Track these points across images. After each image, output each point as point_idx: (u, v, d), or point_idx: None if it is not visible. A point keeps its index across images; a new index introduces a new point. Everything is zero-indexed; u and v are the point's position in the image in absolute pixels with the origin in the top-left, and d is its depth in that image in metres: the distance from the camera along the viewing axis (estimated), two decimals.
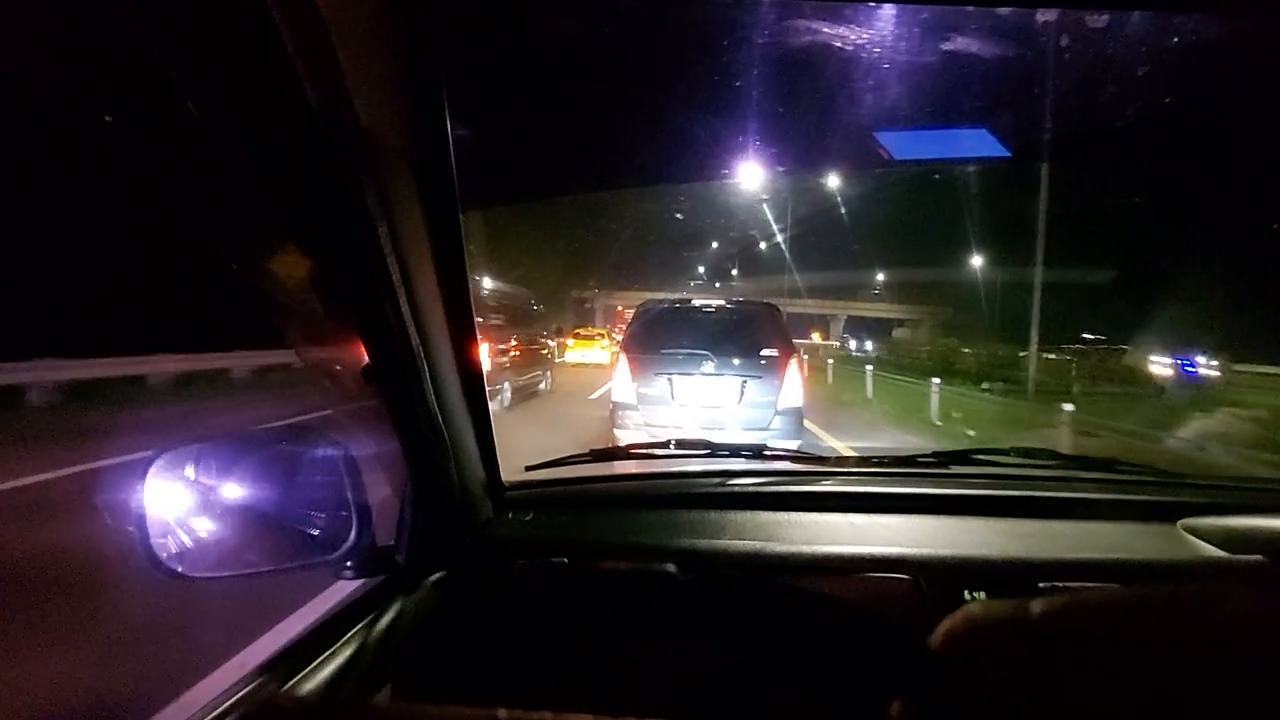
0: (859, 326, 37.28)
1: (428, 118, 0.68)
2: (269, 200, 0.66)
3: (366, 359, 0.76)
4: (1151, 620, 0.31)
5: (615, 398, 4.66)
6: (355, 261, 0.66)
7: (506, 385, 7.85)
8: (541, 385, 9.38)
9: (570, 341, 14.60)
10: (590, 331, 16.76)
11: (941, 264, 30.13)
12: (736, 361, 4.54)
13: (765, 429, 4.37)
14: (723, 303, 5.15)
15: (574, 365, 13.27)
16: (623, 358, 4.73)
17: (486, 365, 7.53)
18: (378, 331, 0.72)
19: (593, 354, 14.71)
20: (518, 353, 8.50)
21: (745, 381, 4.49)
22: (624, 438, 4.45)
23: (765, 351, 4.56)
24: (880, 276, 35.92)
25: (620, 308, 34.50)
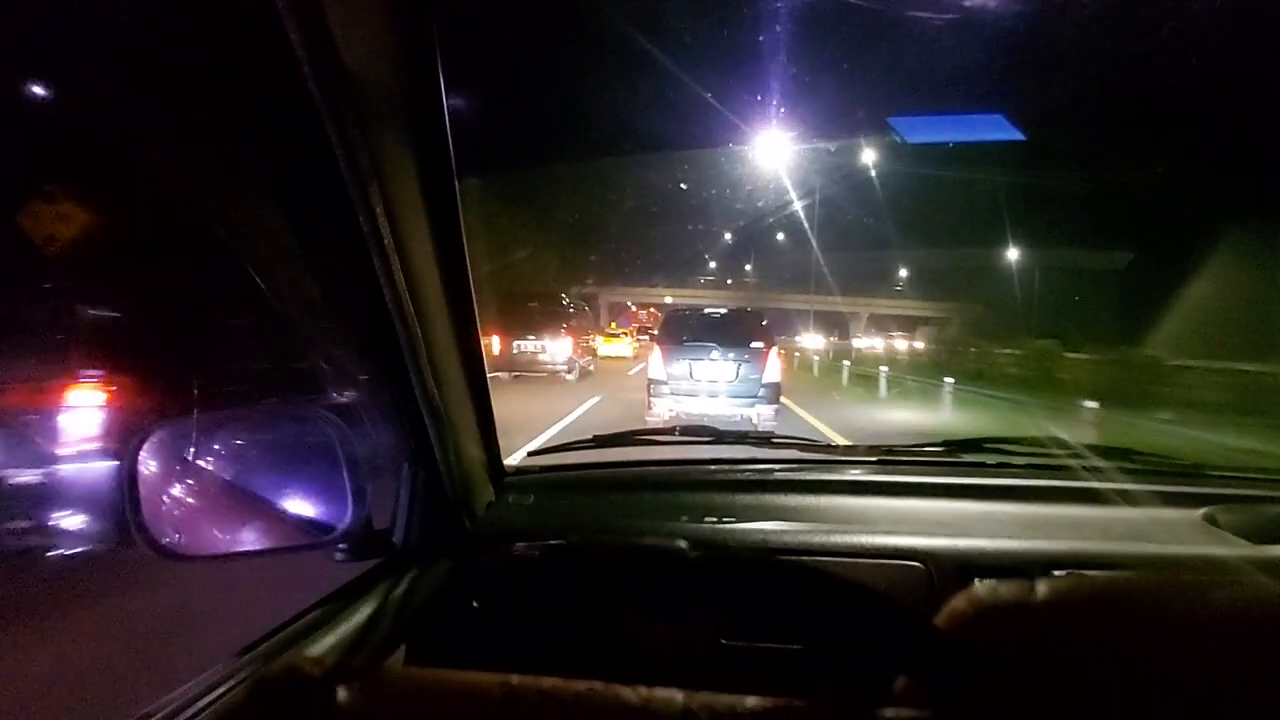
0: (880, 326, 36.91)
1: (420, 79, 0.68)
2: (259, 171, 0.67)
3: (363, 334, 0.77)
4: (1159, 605, 0.31)
5: (650, 375, 6.88)
6: (347, 230, 0.66)
7: (576, 365, 12.11)
8: (591, 367, 14.07)
9: (600, 339, 18.90)
10: (616, 330, 22.47)
11: (967, 259, 29.74)
12: (734, 350, 6.74)
13: (754, 396, 6.62)
14: (725, 310, 7.64)
15: (602, 357, 17.54)
16: (656, 348, 7.02)
17: (568, 352, 11.71)
18: (372, 305, 0.72)
19: (618, 348, 19.53)
20: (582, 345, 13.37)
21: (740, 364, 6.71)
22: (657, 404, 6.68)
23: (753, 344, 6.81)
24: (903, 272, 35.60)
25: (634, 307, 34.53)
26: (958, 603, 0.34)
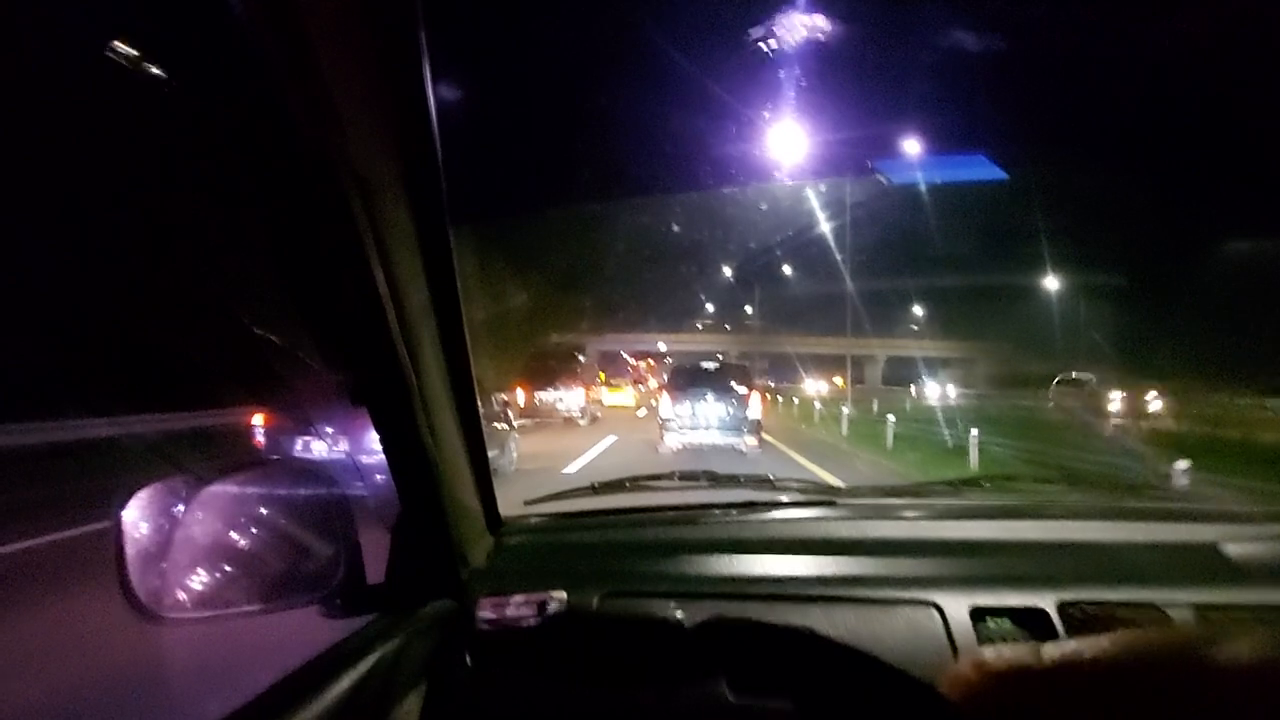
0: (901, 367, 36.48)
1: (414, 128, 0.73)
2: (252, 219, 0.72)
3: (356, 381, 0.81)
4: (1167, 668, 0.31)
5: (661, 415, 9.66)
6: (340, 277, 0.70)
7: (589, 412, 15.49)
8: (599, 414, 17.16)
9: (606, 390, 21.99)
10: (618, 382, 25.09)
11: (982, 297, 29.69)
12: (723, 394, 9.49)
13: (740, 429, 9.27)
14: (717, 364, 10.61)
15: (608, 406, 20.23)
16: (664, 394, 9.87)
17: (581, 401, 15.21)
18: (365, 357, 0.76)
19: (620, 398, 21.99)
20: (591, 395, 16.83)
21: (728, 405, 9.44)
22: (668, 438, 9.31)
23: (739, 390, 9.59)
24: (918, 310, 35.61)
25: (634, 361, 34.44)
26: (963, 668, 0.35)
